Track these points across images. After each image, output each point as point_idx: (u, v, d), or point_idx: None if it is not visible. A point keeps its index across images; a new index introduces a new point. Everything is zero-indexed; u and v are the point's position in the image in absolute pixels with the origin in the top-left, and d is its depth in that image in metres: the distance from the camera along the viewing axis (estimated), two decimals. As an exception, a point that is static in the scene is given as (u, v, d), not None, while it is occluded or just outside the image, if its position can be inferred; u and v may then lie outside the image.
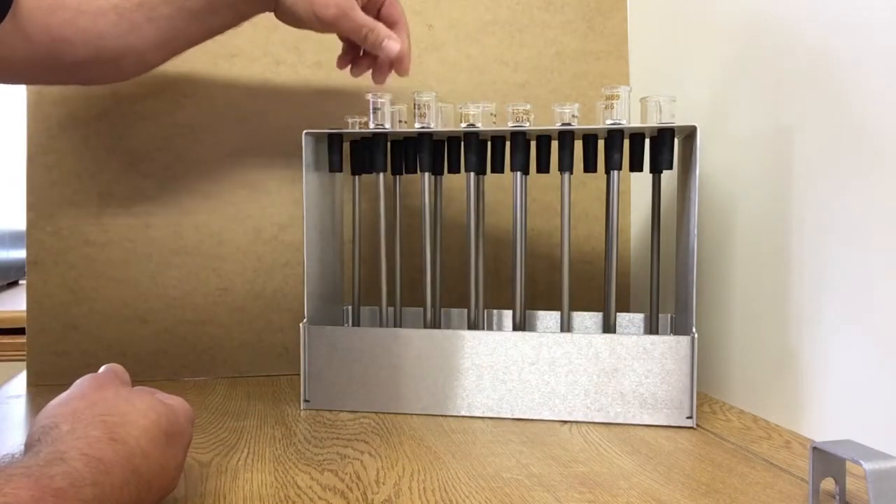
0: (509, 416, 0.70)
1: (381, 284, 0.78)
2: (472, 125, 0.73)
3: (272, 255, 0.89)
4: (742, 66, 0.74)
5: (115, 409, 0.44)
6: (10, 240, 1.70)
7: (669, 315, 0.77)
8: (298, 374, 0.75)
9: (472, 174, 0.74)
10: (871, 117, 0.57)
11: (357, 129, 0.76)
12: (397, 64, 0.74)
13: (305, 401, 0.73)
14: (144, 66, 0.71)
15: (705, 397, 0.77)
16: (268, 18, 0.91)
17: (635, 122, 0.71)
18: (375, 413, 0.72)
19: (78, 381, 0.48)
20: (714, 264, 0.78)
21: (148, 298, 0.87)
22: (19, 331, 1.10)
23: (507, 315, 0.82)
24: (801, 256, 0.65)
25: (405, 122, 0.76)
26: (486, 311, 0.79)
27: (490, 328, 0.82)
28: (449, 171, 0.77)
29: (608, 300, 0.73)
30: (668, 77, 0.88)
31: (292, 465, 0.57)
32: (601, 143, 0.73)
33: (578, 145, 0.74)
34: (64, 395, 0.46)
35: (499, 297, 0.90)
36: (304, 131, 0.74)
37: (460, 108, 0.73)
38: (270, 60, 0.89)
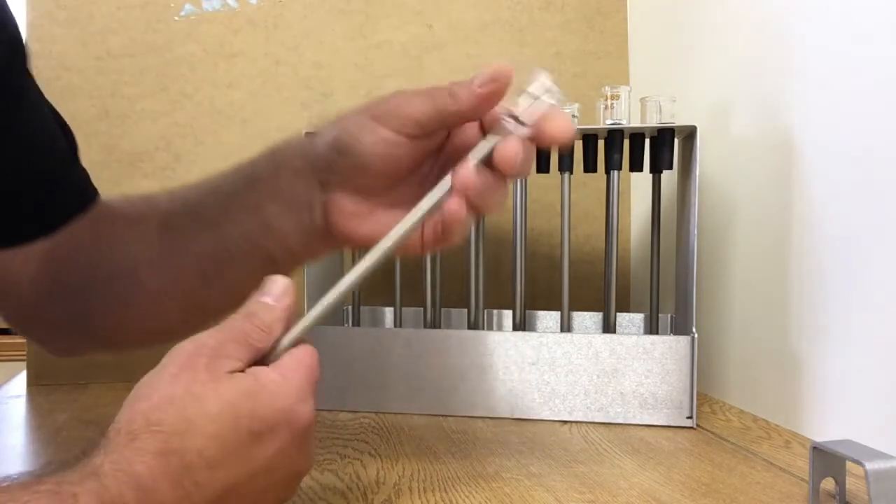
0: (509, 416, 0.70)
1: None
2: (472, 125, 0.72)
3: (272, 255, 0.89)
4: (742, 65, 0.74)
5: (179, 413, 0.37)
6: (10, 240, 1.70)
7: (669, 315, 0.77)
8: (298, 374, 0.75)
9: (472, 174, 0.74)
10: (871, 117, 0.57)
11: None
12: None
13: (305, 401, 0.73)
14: (140, 289, 0.54)
15: (705, 397, 0.77)
16: (268, 18, 0.92)
17: (635, 122, 0.71)
18: (375, 413, 0.72)
19: (169, 358, 0.40)
20: (714, 264, 0.78)
21: (148, 298, 0.86)
22: (19, 331, 1.10)
23: (507, 315, 0.82)
24: (801, 256, 0.64)
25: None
26: (486, 311, 0.79)
27: (490, 328, 0.82)
28: (449, 171, 0.77)
29: (608, 300, 0.73)
30: (668, 77, 0.88)
31: (292, 465, 0.57)
32: (601, 143, 0.73)
33: (578, 145, 0.74)
34: (148, 380, 0.39)
35: (499, 297, 0.90)
36: (304, 131, 0.73)
37: (460, 108, 0.73)
38: (270, 60, 0.89)
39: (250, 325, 0.41)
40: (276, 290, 0.43)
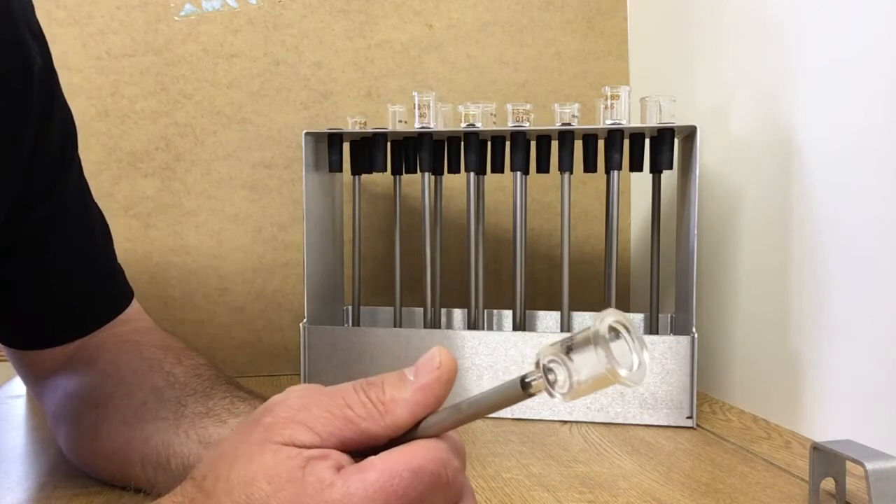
0: (509, 416, 0.70)
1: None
2: (472, 125, 0.73)
3: (272, 255, 0.89)
4: (742, 65, 0.74)
5: (215, 471, 0.33)
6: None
7: (669, 315, 0.77)
8: (298, 374, 0.75)
9: (472, 174, 0.74)
10: (871, 117, 0.57)
11: (357, 129, 0.76)
12: None
13: (305, 401, 0.73)
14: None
15: (705, 397, 0.77)
16: (268, 18, 0.92)
17: (635, 122, 0.71)
18: (375, 413, 0.72)
19: (261, 405, 0.34)
20: (714, 264, 0.78)
21: (148, 298, 0.86)
22: (19, 331, 1.10)
23: (507, 315, 0.82)
24: (801, 256, 0.64)
25: (405, 122, 0.76)
26: (486, 311, 0.79)
27: (490, 328, 0.82)
28: (449, 171, 0.77)
29: (608, 300, 0.73)
30: (668, 77, 0.88)
31: (292, 465, 0.57)
32: (601, 143, 0.73)
33: (578, 145, 0.74)
34: (243, 426, 0.34)
35: (499, 297, 0.90)
36: (304, 131, 0.74)
37: (460, 108, 0.73)
38: (270, 60, 0.89)
39: (360, 395, 0.33)
40: (427, 364, 0.33)
